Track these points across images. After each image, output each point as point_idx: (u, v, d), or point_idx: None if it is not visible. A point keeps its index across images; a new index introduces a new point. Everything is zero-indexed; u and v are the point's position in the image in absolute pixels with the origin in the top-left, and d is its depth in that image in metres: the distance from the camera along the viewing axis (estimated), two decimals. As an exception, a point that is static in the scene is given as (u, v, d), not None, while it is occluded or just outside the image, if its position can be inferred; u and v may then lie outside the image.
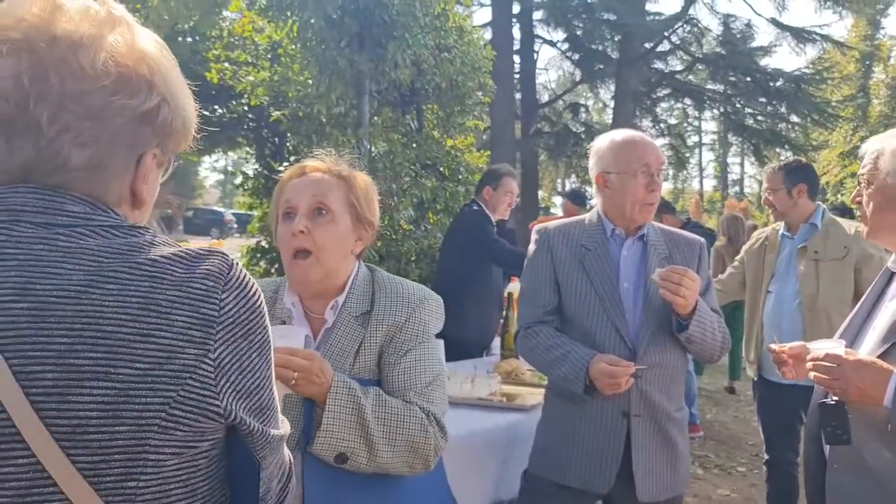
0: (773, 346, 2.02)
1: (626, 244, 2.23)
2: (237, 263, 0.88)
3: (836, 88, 17.35)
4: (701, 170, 41.12)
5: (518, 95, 16.07)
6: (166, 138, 0.91)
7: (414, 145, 5.11)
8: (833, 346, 1.73)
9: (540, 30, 16.46)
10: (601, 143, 2.28)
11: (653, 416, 2.15)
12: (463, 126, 5.48)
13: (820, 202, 3.54)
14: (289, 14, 4.66)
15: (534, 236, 2.35)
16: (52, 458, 0.76)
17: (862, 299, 1.91)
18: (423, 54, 4.35)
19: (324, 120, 5.03)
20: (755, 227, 6.19)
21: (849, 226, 3.35)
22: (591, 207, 2.42)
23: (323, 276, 1.59)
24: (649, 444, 2.14)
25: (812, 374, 1.72)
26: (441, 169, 5.28)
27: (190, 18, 5.12)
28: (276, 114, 5.76)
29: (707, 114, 23.09)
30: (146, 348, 0.79)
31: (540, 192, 20.18)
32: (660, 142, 18.32)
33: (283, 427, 0.98)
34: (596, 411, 2.14)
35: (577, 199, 6.13)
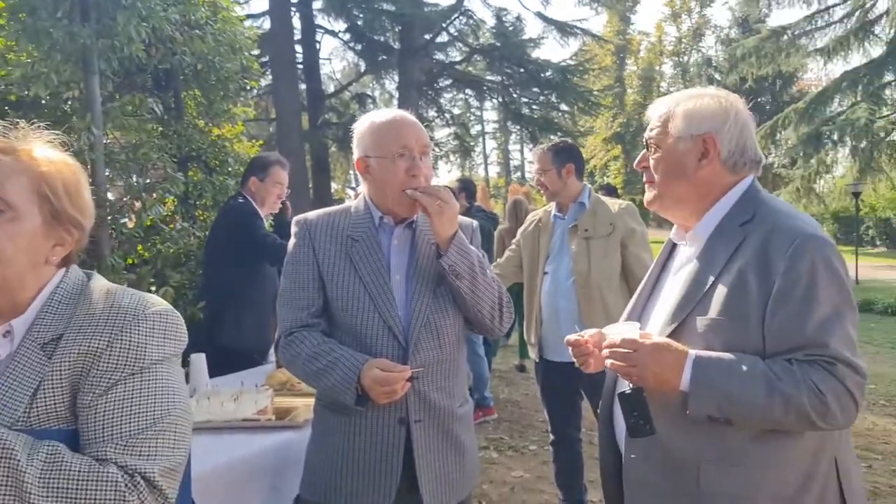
0: (571, 337, 1.85)
1: (395, 233, 2.03)
2: None
3: (596, 79, 18.93)
4: (486, 157, 43.22)
5: (303, 86, 15.57)
6: None
7: (173, 134, 4.57)
8: (628, 329, 1.58)
9: (321, 19, 16.07)
10: (361, 125, 2.06)
11: (435, 418, 1.96)
12: (229, 113, 5.02)
13: (587, 182, 3.63)
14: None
15: (293, 229, 2.07)
16: None
17: (647, 274, 1.84)
18: (167, 29, 3.84)
19: (66, 108, 4.31)
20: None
21: (612, 203, 3.47)
22: None
23: None
24: (434, 448, 1.96)
25: (608, 361, 1.57)
26: (206, 160, 4.79)
27: None
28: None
29: (488, 103, 24.13)
30: None
31: (333, 185, 19.83)
32: (445, 131, 18.81)
33: None
34: (370, 422, 1.92)
35: None
